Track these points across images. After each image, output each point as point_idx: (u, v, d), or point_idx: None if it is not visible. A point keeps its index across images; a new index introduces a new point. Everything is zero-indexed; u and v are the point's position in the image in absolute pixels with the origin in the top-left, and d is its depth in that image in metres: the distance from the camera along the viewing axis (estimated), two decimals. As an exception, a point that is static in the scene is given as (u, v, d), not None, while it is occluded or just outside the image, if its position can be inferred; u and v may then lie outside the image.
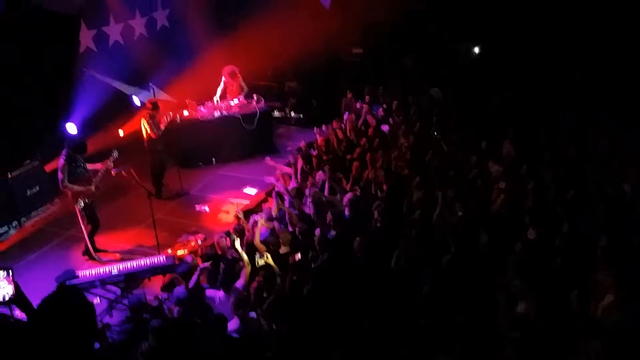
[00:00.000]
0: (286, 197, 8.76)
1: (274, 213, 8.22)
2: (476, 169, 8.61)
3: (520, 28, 12.83)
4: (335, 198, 8.48)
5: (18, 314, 6.40)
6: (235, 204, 9.93)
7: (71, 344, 2.44)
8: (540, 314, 5.48)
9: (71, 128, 10.33)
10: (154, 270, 7.52)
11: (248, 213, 9.01)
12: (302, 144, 10.66)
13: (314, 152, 10.32)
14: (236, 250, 7.41)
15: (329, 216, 7.76)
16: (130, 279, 7.42)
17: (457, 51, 14.23)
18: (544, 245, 6.53)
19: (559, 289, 5.81)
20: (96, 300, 7.17)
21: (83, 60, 11.44)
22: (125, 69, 12.16)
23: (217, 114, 11.52)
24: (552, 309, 5.56)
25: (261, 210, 8.73)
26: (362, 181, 8.91)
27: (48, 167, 9.84)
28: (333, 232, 7.58)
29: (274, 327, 6.10)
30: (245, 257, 7.25)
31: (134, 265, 7.46)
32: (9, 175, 9.34)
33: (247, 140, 11.76)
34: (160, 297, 7.17)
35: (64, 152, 8.25)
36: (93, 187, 8.32)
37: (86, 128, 10.58)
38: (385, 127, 10.91)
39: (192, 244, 8.71)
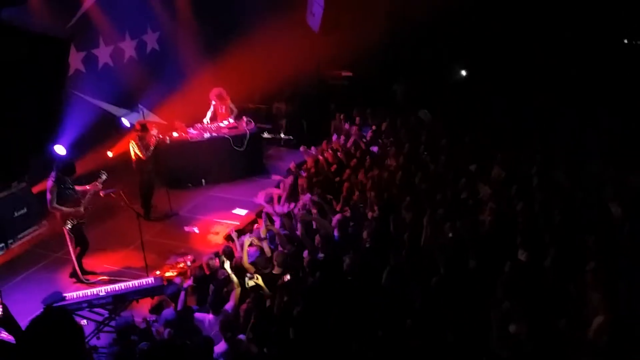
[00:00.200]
0: (276, 219, 8.76)
1: (262, 234, 8.20)
2: (466, 190, 8.65)
3: (509, 51, 13.02)
4: (323, 220, 8.48)
5: (4, 335, 6.30)
6: (225, 225, 9.89)
7: None
8: (531, 334, 5.48)
9: (60, 150, 10.29)
10: (142, 292, 7.45)
11: (238, 234, 8.97)
12: (292, 165, 10.69)
13: (304, 174, 10.34)
14: (226, 272, 7.37)
15: (317, 238, 7.75)
16: (118, 301, 7.34)
17: (446, 74, 14.38)
18: (534, 266, 6.55)
19: (550, 310, 5.82)
20: (83, 322, 7.07)
21: (72, 82, 11.42)
22: (114, 91, 12.16)
23: (206, 135, 11.55)
24: (542, 330, 5.57)
25: (250, 232, 8.71)
26: (352, 202, 8.92)
27: (36, 189, 9.77)
28: (321, 255, 7.57)
29: (264, 350, 6.04)
30: (235, 278, 7.20)
31: (122, 287, 7.40)
32: (-4, 197, 9.27)
33: (237, 162, 11.78)
34: (148, 319, 7.09)
35: (52, 173, 8.22)
36: (82, 209, 8.30)
37: (75, 150, 10.51)
38: (374, 149, 10.97)
39: (181, 265, 8.65)
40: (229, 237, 8.63)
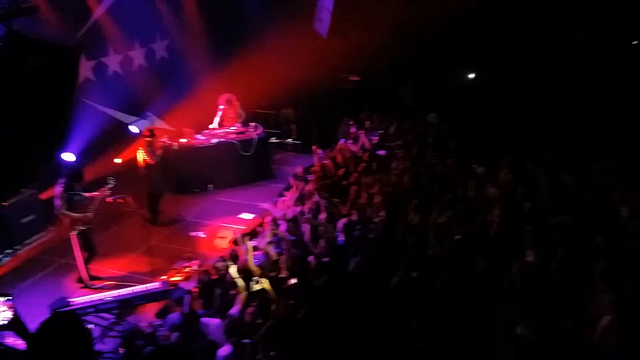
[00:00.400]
0: (281, 223, 8.73)
1: (268, 238, 8.18)
2: (473, 192, 8.58)
3: (517, 53, 12.94)
4: (327, 224, 8.44)
5: (10, 341, 6.33)
6: (231, 230, 9.88)
7: None
8: (537, 335, 5.40)
9: (68, 157, 10.37)
10: (148, 297, 7.45)
11: (245, 237, 8.96)
12: (299, 169, 10.66)
13: (311, 178, 10.31)
14: (232, 276, 7.34)
15: (321, 242, 7.72)
16: (124, 306, 7.36)
17: (454, 77, 14.33)
18: (541, 267, 6.48)
19: (557, 311, 5.74)
20: (90, 327, 7.08)
21: (82, 90, 11.52)
22: (123, 98, 12.25)
23: (214, 140, 11.58)
24: (550, 331, 5.49)
25: (257, 236, 8.69)
26: (359, 205, 8.87)
27: (44, 196, 9.83)
28: (326, 259, 7.53)
29: (271, 354, 6.00)
30: (240, 282, 7.17)
31: (128, 292, 7.40)
32: (4, 204, 9.32)
33: (244, 167, 11.80)
34: (154, 324, 7.08)
35: (61, 180, 8.28)
36: (90, 215, 8.34)
37: (84, 156, 10.59)
38: (382, 152, 10.93)
39: (187, 270, 8.64)
40: (236, 241, 8.59)
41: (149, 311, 7.64)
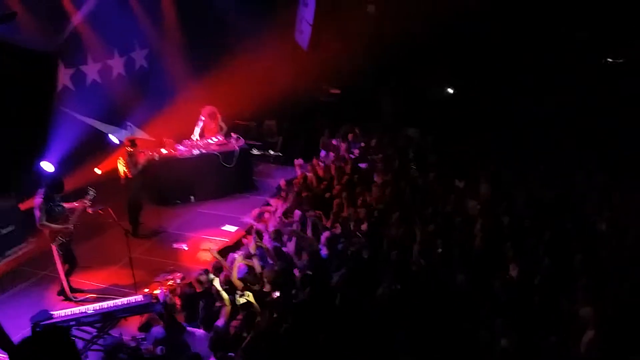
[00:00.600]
0: (265, 235, 8.75)
1: (252, 250, 8.19)
2: (454, 206, 8.73)
3: (495, 68, 13.19)
4: (310, 237, 8.49)
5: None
6: (214, 242, 9.87)
7: None
8: (520, 350, 5.52)
9: (47, 166, 10.24)
10: (131, 310, 7.39)
11: (227, 251, 8.96)
12: (282, 182, 10.70)
13: (294, 190, 10.35)
14: (216, 288, 7.33)
15: (304, 256, 7.77)
16: (107, 319, 7.28)
17: (433, 91, 14.54)
18: (524, 282, 6.62)
19: (540, 325, 5.87)
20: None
21: (60, 99, 11.40)
22: (103, 107, 12.12)
23: (195, 152, 11.56)
24: (532, 345, 5.61)
25: (239, 248, 8.69)
26: (341, 218, 8.95)
27: (23, 206, 9.68)
28: (309, 272, 7.58)
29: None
30: (225, 295, 7.17)
31: (111, 304, 7.33)
32: (-18, 214, 9.17)
33: (226, 178, 11.78)
34: (137, 337, 7.03)
35: (41, 190, 8.17)
36: (71, 226, 8.25)
37: (63, 166, 10.48)
38: (363, 165, 11.04)
39: (170, 282, 8.59)
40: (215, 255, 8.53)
41: (132, 324, 7.57)
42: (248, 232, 9.61)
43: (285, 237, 8.53)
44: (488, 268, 6.95)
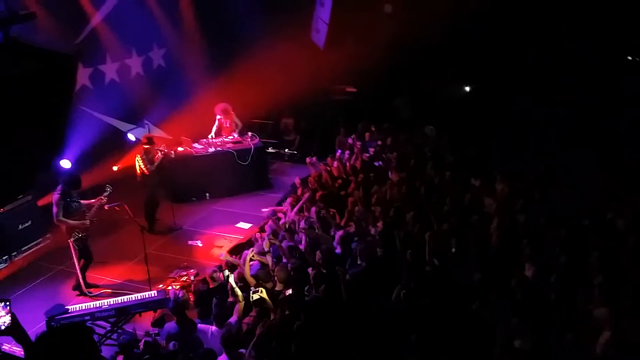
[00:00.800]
0: (279, 233, 8.74)
1: (265, 248, 8.19)
2: (471, 205, 8.64)
3: (512, 67, 13.06)
4: (325, 235, 8.47)
5: (7, 348, 6.31)
6: (228, 239, 9.91)
7: None
8: (536, 350, 5.44)
9: (65, 164, 10.37)
10: (144, 306, 7.46)
11: (241, 248, 8.99)
12: (297, 180, 10.70)
13: (309, 188, 10.33)
14: (230, 285, 7.35)
15: (318, 253, 7.74)
16: (121, 314, 7.35)
17: (449, 90, 14.43)
18: (540, 281, 6.52)
19: (556, 325, 5.77)
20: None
21: (79, 98, 11.53)
22: (120, 106, 12.24)
23: (211, 149, 11.62)
24: (548, 345, 5.52)
25: (253, 245, 8.70)
26: (356, 217, 8.89)
27: (41, 202, 9.81)
28: (323, 270, 7.54)
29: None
30: (239, 292, 7.18)
31: (125, 300, 7.41)
32: (1, 210, 9.30)
33: (241, 176, 11.82)
34: (150, 333, 7.08)
35: (59, 187, 8.30)
36: (87, 222, 8.34)
37: (80, 164, 10.59)
38: (378, 164, 10.98)
39: (184, 279, 8.64)
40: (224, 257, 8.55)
41: (146, 320, 7.62)
42: (262, 229, 9.61)
43: (298, 235, 8.51)
44: (504, 266, 6.86)
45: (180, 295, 7.64)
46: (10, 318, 6.05)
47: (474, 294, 6.44)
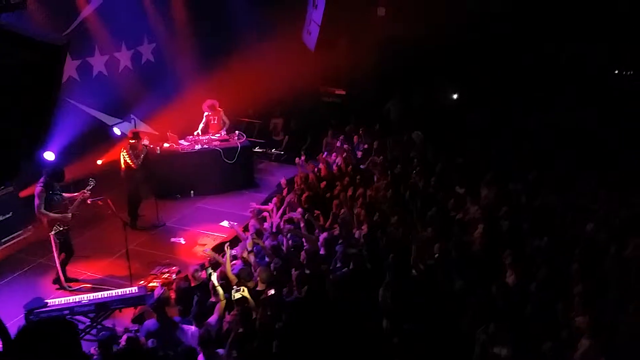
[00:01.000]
0: (263, 233, 8.72)
1: (249, 247, 8.16)
2: (455, 210, 8.68)
3: (500, 74, 13.15)
4: (310, 235, 8.46)
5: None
6: (211, 237, 9.85)
7: None
8: (515, 357, 5.47)
9: (49, 156, 10.24)
10: (125, 302, 7.41)
11: (223, 246, 8.94)
12: (283, 180, 10.68)
13: (294, 189, 10.32)
14: (212, 283, 7.31)
15: (302, 254, 7.73)
16: (101, 310, 7.28)
17: (438, 97, 14.50)
18: (520, 288, 6.56)
19: (535, 333, 5.81)
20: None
21: (65, 89, 11.40)
22: (107, 99, 12.14)
23: (197, 146, 11.57)
24: (527, 353, 5.56)
25: (237, 245, 8.67)
26: (341, 219, 8.89)
27: (23, 194, 9.69)
28: (307, 270, 7.53)
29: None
30: (220, 291, 7.14)
31: (105, 295, 7.34)
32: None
33: (227, 174, 11.79)
34: (130, 329, 7.01)
35: (41, 179, 8.19)
36: (69, 215, 8.25)
37: (64, 156, 10.48)
38: (365, 166, 11.00)
39: (166, 276, 8.58)
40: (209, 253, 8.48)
41: (126, 316, 7.56)
42: (245, 228, 9.57)
43: (282, 235, 8.49)
44: (486, 273, 6.89)
45: (161, 292, 7.60)
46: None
47: (455, 299, 6.48)
